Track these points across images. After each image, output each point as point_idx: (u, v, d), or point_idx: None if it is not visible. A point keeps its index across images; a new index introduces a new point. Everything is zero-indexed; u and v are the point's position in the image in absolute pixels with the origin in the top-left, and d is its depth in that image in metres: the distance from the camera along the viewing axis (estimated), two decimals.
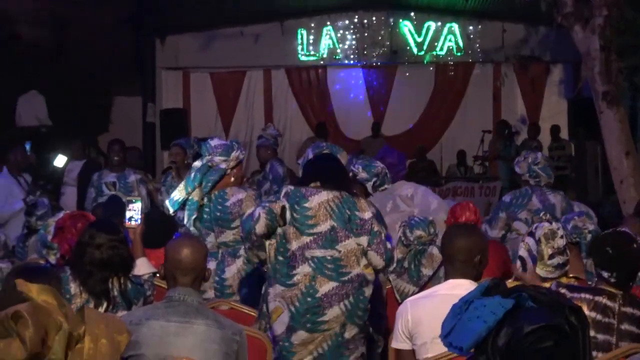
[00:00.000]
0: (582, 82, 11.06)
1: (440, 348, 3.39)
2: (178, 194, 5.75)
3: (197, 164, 5.88)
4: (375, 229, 4.86)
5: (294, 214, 4.82)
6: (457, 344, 1.96)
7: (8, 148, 10.14)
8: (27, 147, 12.07)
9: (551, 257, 4.57)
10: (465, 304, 2.01)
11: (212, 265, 5.59)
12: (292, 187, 4.95)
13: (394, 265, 5.73)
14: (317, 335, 4.77)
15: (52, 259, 5.76)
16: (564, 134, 15.68)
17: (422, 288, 5.50)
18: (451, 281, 4.00)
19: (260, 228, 4.79)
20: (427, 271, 5.73)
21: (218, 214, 5.73)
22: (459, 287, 3.85)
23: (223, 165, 5.84)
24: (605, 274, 4.09)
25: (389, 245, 4.92)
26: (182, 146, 9.08)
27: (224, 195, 5.75)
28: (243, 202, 5.71)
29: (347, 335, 4.79)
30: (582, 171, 14.28)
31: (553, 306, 1.98)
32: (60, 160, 12.20)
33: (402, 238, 5.84)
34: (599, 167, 13.67)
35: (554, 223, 4.77)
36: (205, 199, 5.81)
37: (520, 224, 7.07)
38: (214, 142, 5.94)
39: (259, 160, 9.89)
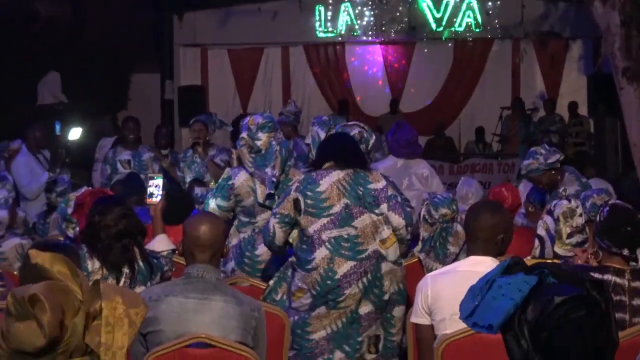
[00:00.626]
0: (601, 58, 10.96)
1: (459, 324, 3.39)
2: (277, 172, 5.61)
3: (273, 141, 5.69)
4: (390, 192, 4.92)
5: (307, 201, 4.87)
6: (485, 323, 1.95)
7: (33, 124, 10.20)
8: (57, 126, 12.13)
9: (570, 235, 4.54)
10: (487, 283, 2.00)
11: None
12: (301, 177, 5.00)
13: (421, 244, 5.74)
14: (333, 312, 4.85)
15: (70, 232, 5.80)
16: (583, 111, 15.59)
17: None
18: (472, 258, 3.97)
19: (279, 241, 4.95)
20: (453, 249, 5.73)
21: (284, 187, 5.65)
22: (480, 264, 3.83)
23: (286, 139, 5.79)
24: (625, 252, 4.06)
25: (408, 209, 4.98)
26: (204, 122, 9.04)
27: (288, 172, 5.69)
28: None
29: (361, 311, 4.85)
30: (601, 148, 14.22)
31: (575, 281, 1.98)
32: (74, 133, 12.26)
33: (427, 216, 5.83)
34: (618, 144, 13.61)
35: (572, 201, 4.73)
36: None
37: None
38: (275, 118, 5.88)
39: None
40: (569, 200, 4.72)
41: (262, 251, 5.56)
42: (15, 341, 1.74)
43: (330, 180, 4.88)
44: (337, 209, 4.85)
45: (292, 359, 4.91)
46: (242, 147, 5.69)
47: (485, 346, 3.64)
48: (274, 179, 5.56)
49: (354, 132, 5.69)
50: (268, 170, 5.57)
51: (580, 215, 4.60)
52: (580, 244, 4.56)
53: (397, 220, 4.91)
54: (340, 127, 5.90)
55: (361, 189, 4.88)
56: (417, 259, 5.86)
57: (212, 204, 5.66)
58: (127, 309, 1.86)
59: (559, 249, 4.56)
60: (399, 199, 4.97)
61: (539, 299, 1.94)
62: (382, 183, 4.94)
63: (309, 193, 4.88)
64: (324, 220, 4.85)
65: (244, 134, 5.72)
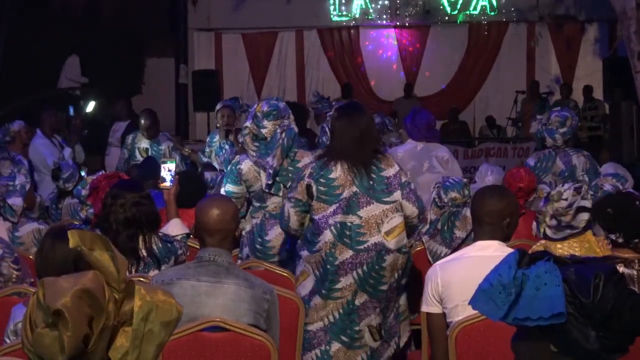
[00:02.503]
0: (617, 41, 10.95)
1: (472, 310, 3.39)
2: (276, 162, 5.60)
3: (278, 129, 5.69)
4: (403, 179, 4.91)
5: (320, 188, 4.88)
6: (545, 314, 1.94)
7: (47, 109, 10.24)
8: (71, 110, 12.20)
9: (551, 217, 4.50)
10: (514, 279, 2.00)
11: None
12: (313, 164, 4.97)
13: (427, 226, 5.73)
14: (329, 302, 4.86)
15: (83, 214, 5.81)
16: (599, 94, 15.53)
17: (454, 250, 5.48)
18: (479, 243, 3.96)
19: (294, 224, 4.97)
20: (460, 233, 5.71)
21: (291, 175, 5.65)
22: (488, 249, 3.83)
23: (293, 126, 5.76)
24: (612, 236, 4.03)
25: (419, 192, 5.02)
26: (231, 107, 8.98)
27: (294, 157, 5.69)
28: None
29: (357, 302, 4.85)
30: (617, 131, 14.15)
31: (578, 262, 2.03)
32: (90, 106, 12.36)
33: (436, 199, 5.82)
34: (634, 128, 13.54)
35: (565, 185, 4.65)
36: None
37: (545, 188, 6.95)
38: (282, 104, 5.82)
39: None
40: (575, 184, 4.67)
41: (272, 236, 5.57)
42: (36, 345, 1.73)
43: (343, 166, 4.88)
44: (345, 195, 4.85)
45: None
46: (246, 136, 5.69)
47: (498, 329, 3.64)
48: (271, 170, 5.55)
49: (377, 120, 5.72)
50: (269, 159, 5.56)
51: (566, 199, 4.54)
52: (564, 227, 4.48)
53: (411, 209, 4.91)
54: None
55: (373, 176, 4.87)
56: (423, 247, 5.84)
57: (222, 191, 5.67)
58: (161, 319, 1.84)
59: (547, 230, 4.52)
60: (411, 186, 4.96)
61: (573, 281, 1.96)
62: (394, 169, 4.92)
63: (321, 180, 4.88)
64: (334, 206, 4.86)
65: (248, 123, 5.72)
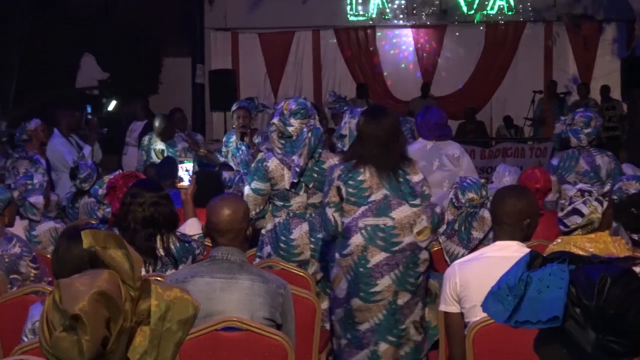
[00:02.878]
0: (635, 41, 10.89)
1: None
2: (302, 161, 5.61)
3: (305, 128, 5.68)
4: (427, 192, 4.99)
5: (349, 190, 4.93)
6: (544, 317, 1.92)
7: (64, 108, 10.27)
8: (88, 109, 12.24)
9: (566, 215, 4.51)
10: (520, 281, 1.98)
11: (305, 226, 5.60)
12: (342, 166, 5.01)
13: (445, 226, 5.73)
14: (371, 305, 4.91)
15: (100, 213, 5.83)
16: (616, 94, 15.45)
17: (472, 251, 5.48)
18: (499, 243, 3.95)
19: (341, 227, 4.99)
20: (477, 234, 5.70)
21: (315, 175, 5.66)
22: (507, 249, 3.81)
23: (319, 126, 5.77)
24: (635, 236, 4.01)
25: (437, 210, 5.03)
26: (247, 108, 8.98)
27: (319, 158, 5.70)
28: None
29: (400, 302, 4.92)
30: (635, 131, 14.07)
31: (594, 262, 1.99)
32: (111, 105, 12.41)
33: (454, 200, 5.80)
34: None
35: (583, 187, 4.65)
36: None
37: (569, 187, 6.93)
38: (309, 104, 5.82)
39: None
40: (600, 185, 4.67)
41: (297, 235, 5.58)
42: (54, 347, 1.73)
43: (371, 170, 4.93)
44: (375, 197, 4.91)
45: (344, 347, 5.02)
46: (273, 133, 5.69)
47: (516, 330, 3.62)
48: (297, 169, 5.55)
49: None
50: (295, 157, 5.56)
51: (570, 196, 4.55)
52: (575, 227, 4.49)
53: (424, 223, 4.97)
54: None
55: (400, 179, 4.93)
56: (440, 247, 5.84)
57: (247, 189, 5.66)
58: (178, 317, 1.84)
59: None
60: (431, 200, 5.03)
61: (582, 282, 1.93)
62: (419, 176, 5.00)
63: (350, 182, 4.93)
64: (363, 208, 4.91)
65: (275, 120, 5.72)
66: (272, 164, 5.64)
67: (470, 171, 6.98)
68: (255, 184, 5.63)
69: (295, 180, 5.56)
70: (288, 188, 5.60)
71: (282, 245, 5.59)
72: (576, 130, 6.96)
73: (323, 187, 5.49)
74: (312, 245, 5.59)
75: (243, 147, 8.62)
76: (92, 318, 1.69)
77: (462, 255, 5.39)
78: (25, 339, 3.67)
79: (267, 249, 5.64)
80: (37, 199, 6.10)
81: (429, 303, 5.15)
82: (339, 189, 4.95)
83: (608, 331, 1.92)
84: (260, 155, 5.89)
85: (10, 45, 12.54)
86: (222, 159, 8.83)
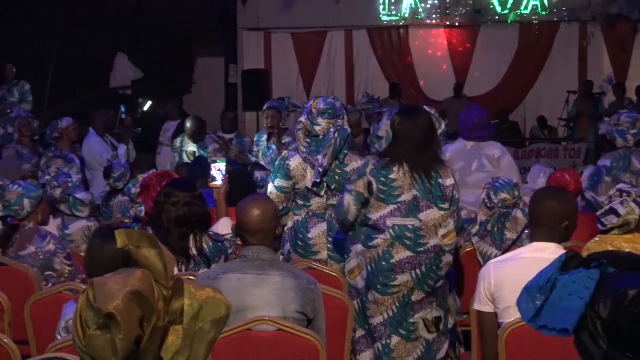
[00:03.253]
0: None
1: None
2: (326, 161, 5.62)
3: (332, 129, 5.68)
4: (455, 194, 5.00)
5: (380, 186, 4.93)
6: (558, 326, 1.88)
7: (100, 108, 10.35)
8: (122, 109, 12.32)
9: (603, 214, 4.48)
10: (548, 282, 1.94)
11: (322, 226, 5.61)
12: (375, 162, 5.01)
13: (477, 227, 5.70)
14: (387, 298, 4.93)
15: (133, 212, 5.87)
16: None
17: (505, 251, 5.45)
18: (536, 244, 3.91)
19: (352, 216, 5.01)
20: (511, 235, 5.67)
21: (337, 177, 5.67)
22: (544, 251, 3.77)
23: (347, 127, 5.76)
24: None
25: (463, 214, 5.15)
26: (278, 109, 8.99)
27: (343, 160, 5.70)
28: None
29: (414, 298, 4.94)
30: None
31: (638, 267, 1.92)
32: (147, 105, 12.50)
33: (486, 200, 5.77)
34: None
35: (624, 187, 4.63)
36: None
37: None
38: (339, 104, 5.81)
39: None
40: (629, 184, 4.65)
41: (315, 234, 5.60)
42: (88, 346, 1.74)
43: (404, 169, 4.93)
44: (405, 197, 4.91)
45: (360, 338, 5.05)
46: (299, 132, 5.69)
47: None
48: (321, 169, 5.55)
49: None
50: (319, 157, 5.57)
51: (610, 195, 4.54)
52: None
53: (451, 226, 5.00)
54: None
55: (432, 182, 4.93)
56: (472, 248, 5.80)
57: (271, 187, 5.68)
58: (211, 317, 1.84)
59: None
60: (459, 205, 5.06)
61: (607, 293, 1.86)
62: (451, 180, 5.00)
63: (382, 179, 4.94)
64: (392, 207, 4.91)
65: (302, 118, 5.72)
66: (294, 162, 5.65)
67: (511, 172, 6.90)
68: (279, 182, 5.65)
69: (318, 180, 5.56)
70: (309, 187, 5.61)
71: (300, 243, 5.61)
72: (622, 131, 6.97)
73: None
74: (329, 246, 5.60)
75: (274, 147, 8.63)
76: (126, 317, 1.70)
77: (495, 256, 5.35)
78: (59, 337, 3.70)
79: (287, 246, 5.69)
80: (84, 195, 6.18)
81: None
82: (369, 184, 4.94)
83: (618, 347, 1.87)
84: (284, 154, 5.89)
85: (45, 47, 12.66)
86: (253, 159, 8.85)
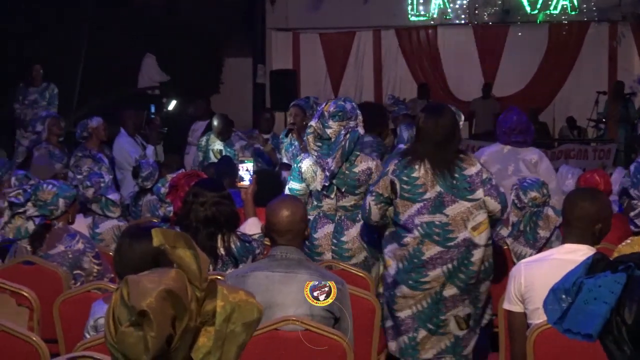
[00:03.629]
0: None
1: None
2: (334, 164, 5.65)
3: (342, 131, 5.70)
4: (485, 176, 4.97)
5: (403, 186, 4.95)
6: (581, 331, 1.85)
7: (129, 108, 10.40)
8: (152, 108, 12.39)
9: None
10: (574, 285, 1.92)
11: (329, 227, 5.63)
12: (397, 161, 5.03)
13: (510, 229, 5.69)
14: (418, 293, 4.94)
15: (162, 212, 5.89)
16: None
17: (539, 250, 5.43)
18: (567, 245, 3.87)
19: (375, 216, 5.07)
20: (544, 233, 5.65)
21: (347, 179, 5.69)
22: (575, 253, 3.73)
23: (359, 129, 5.77)
24: None
25: (501, 189, 5.07)
26: (302, 107, 9.03)
27: (353, 161, 5.71)
28: (373, 172, 5.65)
29: (445, 293, 4.93)
30: None
31: None
32: (171, 105, 12.55)
33: (516, 201, 5.75)
34: None
35: None
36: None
37: None
38: (350, 106, 5.81)
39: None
40: None
41: (320, 235, 5.65)
42: (120, 342, 1.75)
43: (426, 166, 4.94)
44: (430, 195, 4.92)
45: (388, 329, 5.09)
46: (309, 135, 5.72)
47: None
48: (327, 173, 5.58)
49: None
50: (329, 160, 5.60)
51: None
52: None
53: (494, 204, 4.97)
54: None
55: (456, 176, 4.92)
56: (506, 247, 5.79)
57: (286, 189, 5.76)
58: (243, 320, 1.84)
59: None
60: (493, 182, 5.01)
61: (633, 297, 1.84)
62: (476, 167, 4.98)
63: (404, 178, 4.95)
64: (418, 205, 4.94)
65: (313, 122, 5.76)
66: (305, 165, 5.72)
67: (549, 177, 6.82)
68: (291, 184, 5.75)
69: (327, 184, 5.60)
70: (319, 189, 5.65)
71: (307, 242, 5.64)
72: None
73: (354, 190, 5.61)
74: (334, 247, 5.61)
75: (296, 143, 8.70)
76: (159, 315, 1.71)
77: (530, 256, 5.31)
78: (87, 336, 3.72)
79: None
80: (115, 196, 6.22)
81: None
82: (393, 184, 4.97)
83: None
84: (300, 157, 5.93)
85: (74, 46, 12.74)
86: (280, 157, 8.91)
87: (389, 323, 5.08)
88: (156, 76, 14.58)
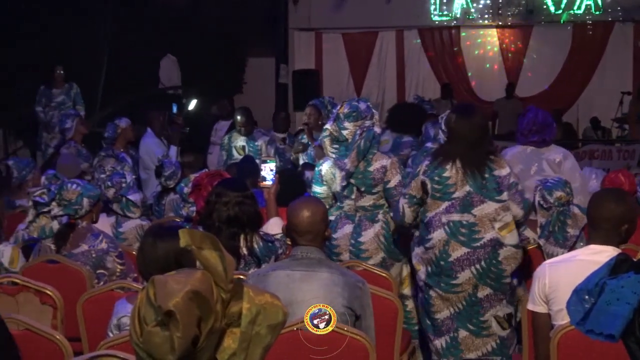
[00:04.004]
0: None
1: None
2: (350, 164, 5.66)
3: (358, 131, 5.71)
4: (511, 180, 5.01)
5: (434, 185, 4.99)
6: (604, 331, 1.84)
7: (152, 109, 10.44)
8: (174, 108, 12.41)
9: None
10: (596, 286, 1.90)
11: (348, 228, 5.65)
12: (428, 162, 5.07)
13: (540, 231, 5.67)
14: (451, 295, 4.97)
15: (185, 212, 5.91)
16: None
17: (571, 248, 5.41)
18: (592, 246, 3.84)
19: (408, 218, 5.14)
20: (573, 231, 5.63)
21: (364, 178, 5.70)
22: (601, 254, 3.69)
23: (375, 128, 5.78)
24: None
25: (527, 195, 5.14)
26: (317, 107, 9.06)
27: (370, 160, 5.72)
28: (387, 170, 5.66)
29: (479, 295, 4.95)
30: None
31: None
32: (192, 104, 12.57)
33: (542, 202, 5.72)
34: None
35: None
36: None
37: None
38: (363, 106, 5.81)
39: None
40: None
41: (339, 236, 5.67)
42: (146, 342, 1.75)
43: (457, 167, 4.97)
44: (459, 194, 4.96)
45: (426, 331, 5.12)
46: (325, 139, 5.74)
47: None
48: (343, 173, 5.63)
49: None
50: (346, 161, 5.62)
51: None
52: None
53: (516, 210, 5.02)
54: None
55: (486, 176, 4.95)
56: (536, 245, 5.75)
57: (311, 191, 5.83)
58: (268, 322, 1.85)
59: None
60: (518, 187, 5.05)
61: None
62: (506, 170, 5.03)
63: (436, 178, 5.00)
64: (447, 204, 4.98)
65: (329, 125, 5.79)
66: (324, 168, 5.81)
67: (572, 176, 6.79)
68: (314, 188, 5.85)
69: (344, 184, 5.61)
70: (339, 190, 5.68)
71: (326, 243, 5.65)
72: None
73: (372, 189, 5.62)
74: (352, 248, 5.61)
75: (316, 143, 8.74)
76: (185, 315, 1.71)
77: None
78: (111, 334, 3.73)
79: None
80: (136, 197, 6.24)
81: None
82: (424, 184, 5.01)
83: None
84: (320, 160, 5.99)
85: (97, 47, 12.78)
86: (293, 157, 8.95)
87: (426, 324, 5.10)
88: (174, 78, 14.60)
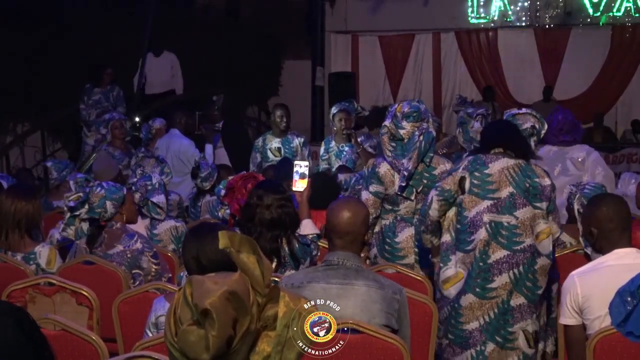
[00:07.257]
0: None
1: None
2: (411, 165, 5.65)
3: (416, 132, 5.70)
4: (553, 196, 4.91)
5: (474, 181, 4.88)
6: None
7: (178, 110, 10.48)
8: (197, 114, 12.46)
9: None
10: (639, 288, 1.89)
11: (410, 231, 5.61)
12: (471, 157, 4.98)
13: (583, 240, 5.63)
14: (485, 302, 4.83)
15: (221, 214, 5.92)
16: None
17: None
18: (617, 251, 3.82)
19: (433, 211, 4.95)
20: None
21: (425, 181, 5.68)
22: (627, 257, 3.69)
23: (432, 130, 5.76)
24: None
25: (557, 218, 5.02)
26: (348, 111, 9.04)
27: (429, 162, 5.70)
28: None
29: (512, 303, 4.82)
30: None
31: None
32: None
33: (581, 210, 5.66)
34: None
35: None
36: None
37: None
38: (423, 107, 5.81)
39: None
40: None
41: (402, 238, 5.62)
42: (181, 341, 1.76)
43: (500, 165, 4.88)
44: (502, 194, 4.84)
45: (446, 347, 4.94)
46: (384, 135, 5.71)
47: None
48: (405, 172, 5.54)
49: (527, 125, 5.71)
50: (404, 161, 5.57)
51: None
52: None
53: (555, 228, 4.95)
54: (512, 116, 5.91)
55: (529, 181, 4.86)
56: (574, 250, 5.69)
57: (365, 194, 5.71)
58: (304, 327, 1.85)
59: None
60: (557, 205, 5.00)
61: None
62: (547, 181, 4.92)
63: (476, 174, 4.89)
64: (488, 203, 4.85)
65: (387, 122, 5.74)
66: (383, 169, 5.73)
67: (594, 169, 6.75)
68: (374, 188, 5.71)
69: (404, 184, 5.55)
70: (398, 193, 5.60)
71: (387, 247, 5.63)
72: None
73: None
74: (416, 250, 5.58)
75: (346, 148, 8.73)
76: (221, 315, 1.72)
77: None
78: (149, 332, 3.75)
79: (374, 250, 5.70)
80: (159, 198, 6.25)
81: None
82: (462, 179, 4.90)
83: None
84: (370, 162, 5.93)
85: (136, 48, 12.87)
86: (323, 165, 8.89)
87: (445, 341, 4.95)
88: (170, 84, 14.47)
